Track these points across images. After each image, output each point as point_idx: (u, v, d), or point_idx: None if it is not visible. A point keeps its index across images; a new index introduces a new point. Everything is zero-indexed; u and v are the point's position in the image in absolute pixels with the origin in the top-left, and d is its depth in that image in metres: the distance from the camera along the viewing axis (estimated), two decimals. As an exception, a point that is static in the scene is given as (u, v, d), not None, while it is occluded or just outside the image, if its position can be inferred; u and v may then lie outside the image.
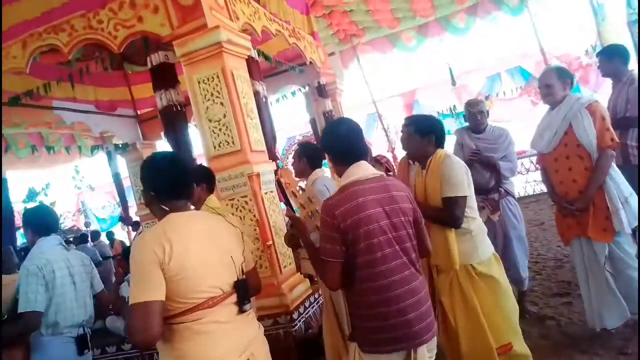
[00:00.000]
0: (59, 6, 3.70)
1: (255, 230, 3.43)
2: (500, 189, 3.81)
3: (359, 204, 1.91)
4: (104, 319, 4.20)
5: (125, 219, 9.09)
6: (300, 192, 2.95)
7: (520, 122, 9.98)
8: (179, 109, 4.20)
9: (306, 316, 3.60)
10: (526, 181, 10.89)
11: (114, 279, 8.83)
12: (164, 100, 4.12)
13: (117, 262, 8.80)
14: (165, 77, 4.14)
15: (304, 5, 6.03)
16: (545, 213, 8.19)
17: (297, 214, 3.72)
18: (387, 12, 7.87)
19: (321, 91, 6.42)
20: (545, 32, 8.86)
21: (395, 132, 10.62)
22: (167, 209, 1.82)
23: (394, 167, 4.63)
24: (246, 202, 3.44)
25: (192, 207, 2.26)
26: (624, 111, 3.57)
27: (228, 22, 3.59)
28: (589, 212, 3.03)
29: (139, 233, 6.73)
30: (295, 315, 3.39)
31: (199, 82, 3.41)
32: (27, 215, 3.08)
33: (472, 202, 2.64)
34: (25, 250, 3.87)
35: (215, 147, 3.44)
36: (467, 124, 4.04)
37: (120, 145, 7.73)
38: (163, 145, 7.09)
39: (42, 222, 2.99)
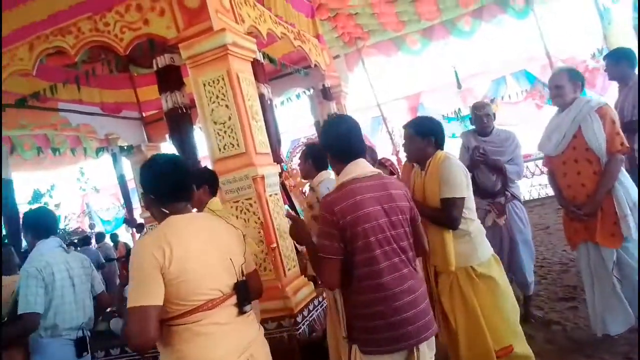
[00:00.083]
0: (65, 8, 3.72)
1: (259, 232, 3.42)
2: (506, 192, 3.79)
3: (357, 201, 1.91)
4: (107, 321, 4.20)
5: (129, 221, 9.11)
6: (309, 192, 2.95)
7: (525, 125, 9.95)
8: (185, 111, 4.21)
9: (310, 319, 3.59)
10: (531, 185, 10.86)
11: (118, 281, 8.86)
12: (169, 103, 4.14)
13: (121, 265, 8.83)
14: (170, 79, 4.16)
15: (309, 8, 6.03)
16: (550, 217, 8.15)
17: (302, 216, 3.72)
18: (392, 15, 7.87)
19: (326, 94, 6.42)
20: (550, 36, 8.81)
21: (399, 135, 10.60)
22: (167, 211, 1.82)
23: (399, 170, 4.62)
24: (250, 205, 3.43)
25: (195, 209, 2.26)
26: (630, 115, 3.54)
27: (234, 25, 3.59)
28: (597, 217, 3.00)
29: (144, 235, 6.75)
30: (299, 319, 3.37)
31: (204, 85, 3.42)
32: (27, 217, 3.09)
33: (471, 203, 2.64)
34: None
35: (220, 150, 3.44)
36: (473, 127, 4.03)
37: (125, 147, 7.78)
38: (168, 147, 7.11)
39: (41, 224, 3.00)
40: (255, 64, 3.97)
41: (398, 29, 8.40)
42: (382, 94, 10.21)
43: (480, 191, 3.83)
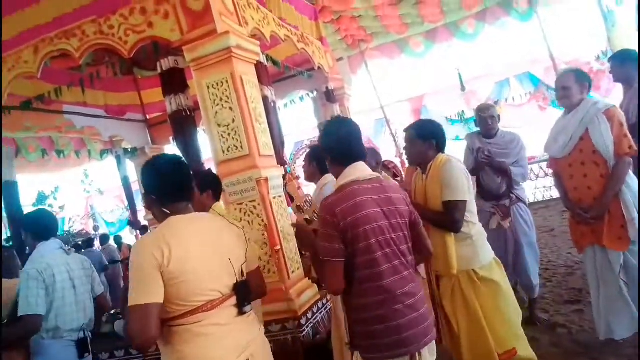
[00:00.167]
0: (70, 12, 3.73)
1: (263, 235, 3.42)
2: (511, 195, 3.78)
3: (357, 203, 1.91)
4: (112, 323, 4.20)
5: (133, 223, 9.13)
6: (307, 206, 2.94)
7: (529, 127, 9.93)
8: (188, 113, 4.22)
9: (314, 321, 3.58)
10: (535, 187, 10.83)
11: (122, 283, 8.87)
12: (173, 105, 4.15)
13: (125, 267, 8.84)
14: (174, 82, 4.17)
15: (312, 11, 6.04)
16: (555, 219, 8.12)
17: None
18: (395, 18, 7.86)
19: (329, 96, 6.43)
20: (554, 38, 8.79)
21: (403, 137, 10.58)
22: (168, 212, 1.83)
23: (402, 173, 4.62)
24: (254, 207, 3.43)
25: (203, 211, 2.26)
26: (635, 117, 3.52)
27: (237, 28, 3.60)
28: (604, 220, 2.96)
29: (149, 232, 6.74)
30: (303, 321, 3.37)
31: (208, 87, 3.42)
32: (27, 219, 3.09)
33: (472, 206, 2.64)
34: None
35: (224, 152, 3.44)
36: (477, 129, 4.02)
37: (129, 150, 7.81)
38: (172, 149, 7.12)
39: (41, 226, 3.01)
40: (258, 66, 3.97)
41: (401, 32, 8.39)
42: (385, 96, 10.18)
43: (485, 193, 3.82)
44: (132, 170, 8.11)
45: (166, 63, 4.11)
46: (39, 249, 2.92)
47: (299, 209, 4.48)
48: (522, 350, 2.55)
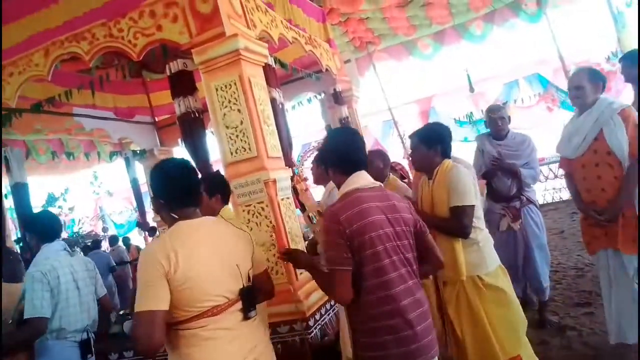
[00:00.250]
0: (80, 15, 3.76)
1: (271, 236, 3.42)
2: (522, 196, 3.75)
3: (363, 209, 1.89)
4: (121, 324, 4.23)
5: (142, 225, 9.19)
6: (318, 216, 2.95)
7: (538, 129, 9.87)
8: (197, 115, 4.25)
9: (322, 323, 3.57)
10: (545, 189, 10.75)
11: (130, 284, 8.92)
12: (182, 107, 4.18)
13: (133, 268, 8.89)
14: (183, 84, 4.20)
15: (320, 13, 6.05)
16: (564, 221, 8.05)
17: (314, 221, 3.71)
18: (403, 20, 7.85)
19: (337, 98, 6.42)
20: (563, 39, 8.72)
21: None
22: (176, 216, 1.84)
23: (409, 174, 4.60)
24: (262, 209, 3.43)
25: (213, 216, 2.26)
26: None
27: (246, 30, 3.61)
28: (618, 222, 2.89)
29: (154, 239, 6.79)
30: (311, 322, 3.36)
31: (216, 89, 3.43)
32: (31, 221, 3.11)
33: (479, 212, 2.62)
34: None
35: (232, 154, 3.45)
36: (487, 130, 4.00)
37: (138, 152, 7.86)
38: (180, 151, 7.16)
39: (45, 228, 3.02)
40: (266, 68, 3.98)
41: (409, 33, 8.39)
42: (393, 97, 10.17)
43: (495, 195, 3.79)
44: (141, 172, 8.17)
45: (175, 65, 4.13)
46: (43, 251, 2.94)
47: (309, 219, 4.48)
48: (527, 358, 2.53)
